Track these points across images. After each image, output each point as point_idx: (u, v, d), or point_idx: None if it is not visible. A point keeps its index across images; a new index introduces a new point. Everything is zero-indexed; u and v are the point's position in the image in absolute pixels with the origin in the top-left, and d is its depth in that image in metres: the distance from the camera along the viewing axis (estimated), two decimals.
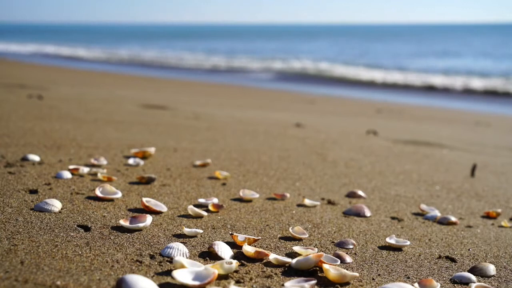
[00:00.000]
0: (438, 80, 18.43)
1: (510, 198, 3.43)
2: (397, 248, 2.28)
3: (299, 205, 2.82)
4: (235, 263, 1.81)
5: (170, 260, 1.89)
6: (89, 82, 11.76)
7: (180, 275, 1.69)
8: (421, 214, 2.87)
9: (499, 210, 2.98)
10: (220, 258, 1.95)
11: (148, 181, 2.96)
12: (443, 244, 2.40)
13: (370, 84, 18.18)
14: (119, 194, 2.59)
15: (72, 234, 2.06)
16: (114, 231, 2.14)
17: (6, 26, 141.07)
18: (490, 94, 15.79)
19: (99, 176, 2.91)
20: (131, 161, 3.38)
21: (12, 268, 1.67)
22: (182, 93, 10.82)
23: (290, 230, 2.31)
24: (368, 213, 2.75)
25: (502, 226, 2.79)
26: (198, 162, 3.52)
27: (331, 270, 1.85)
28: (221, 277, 1.78)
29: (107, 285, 1.64)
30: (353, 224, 2.58)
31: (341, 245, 2.25)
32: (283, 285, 1.77)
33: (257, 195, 2.87)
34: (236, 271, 1.84)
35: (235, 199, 2.82)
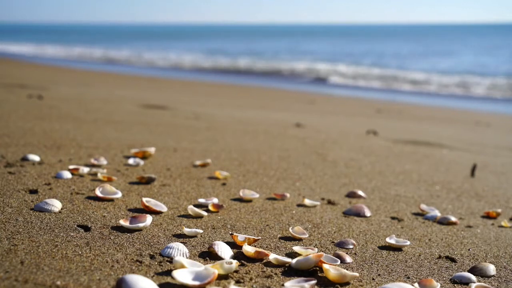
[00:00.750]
0: (437, 80, 18.44)
1: (510, 198, 3.43)
2: (397, 248, 2.28)
3: (299, 205, 2.82)
4: (235, 263, 1.81)
5: (170, 260, 1.89)
6: (89, 82, 11.76)
7: (180, 275, 1.69)
8: (421, 214, 2.87)
9: (499, 210, 2.98)
10: (220, 258, 1.95)
11: (148, 181, 2.96)
12: (443, 244, 2.40)
13: (370, 85, 18.17)
14: (119, 194, 2.59)
15: (72, 234, 2.05)
16: (114, 231, 2.14)
17: (6, 26, 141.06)
18: (490, 94, 15.78)
19: (99, 176, 2.91)
20: (131, 161, 3.38)
21: (12, 268, 1.67)
22: (182, 93, 10.82)
23: (290, 230, 2.31)
24: (368, 213, 2.75)
25: (502, 226, 2.79)
26: (198, 162, 3.52)
27: (331, 270, 1.85)
28: (221, 277, 1.78)
29: (107, 285, 1.64)
30: (353, 224, 2.58)
31: (341, 245, 2.25)
32: (283, 285, 1.77)
33: (257, 195, 2.87)
34: (236, 271, 1.84)
35: (235, 199, 2.82)
